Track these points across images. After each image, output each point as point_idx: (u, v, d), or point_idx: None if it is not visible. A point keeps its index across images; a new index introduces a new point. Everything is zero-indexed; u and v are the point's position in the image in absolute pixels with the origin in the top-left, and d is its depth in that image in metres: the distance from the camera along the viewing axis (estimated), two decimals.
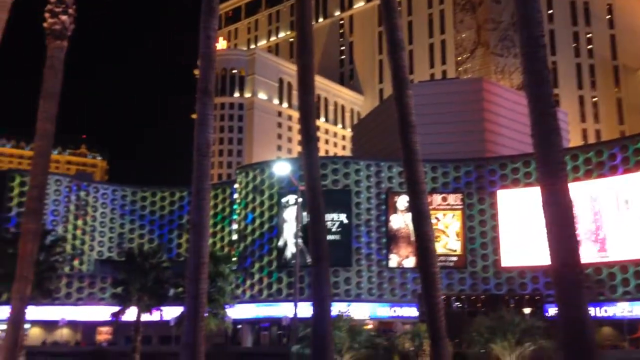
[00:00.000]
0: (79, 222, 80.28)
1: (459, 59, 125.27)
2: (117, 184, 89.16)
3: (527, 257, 65.39)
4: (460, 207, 70.33)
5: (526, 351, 37.56)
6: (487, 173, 70.66)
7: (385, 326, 65.03)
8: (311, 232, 14.95)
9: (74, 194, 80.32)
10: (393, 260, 69.69)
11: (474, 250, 69.14)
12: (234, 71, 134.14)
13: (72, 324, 74.95)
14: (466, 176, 71.02)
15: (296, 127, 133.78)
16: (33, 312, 25.87)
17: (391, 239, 70.06)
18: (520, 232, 65.91)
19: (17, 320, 15.16)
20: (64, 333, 75.28)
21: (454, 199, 70.72)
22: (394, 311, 68.22)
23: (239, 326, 70.36)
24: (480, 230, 69.47)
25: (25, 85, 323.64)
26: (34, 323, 68.54)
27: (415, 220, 15.00)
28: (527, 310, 58.27)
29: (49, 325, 73.10)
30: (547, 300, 63.37)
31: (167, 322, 52.73)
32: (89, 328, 75.66)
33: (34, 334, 70.45)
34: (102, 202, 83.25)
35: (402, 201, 69.79)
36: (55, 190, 76.70)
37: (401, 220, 70.20)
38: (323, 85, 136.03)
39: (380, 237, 70.06)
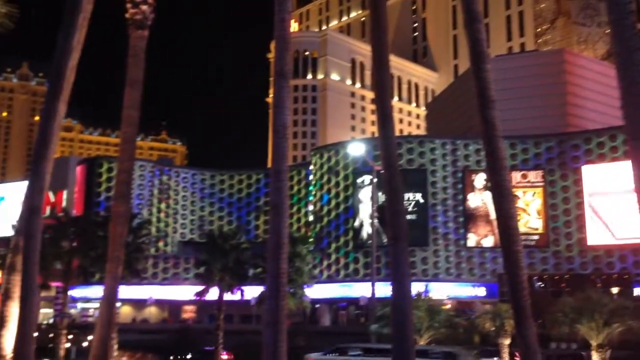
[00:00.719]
0: (162, 206, 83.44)
1: (538, 30, 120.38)
2: (196, 168, 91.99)
3: (614, 235, 62.62)
4: (541, 184, 68.01)
5: (614, 332, 36.07)
6: (570, 148, 67.87)
7: (464, 306, 64.17)
8: (388, 211, 14.87)
9: (157, 179, 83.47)
10: (471, 240, 68.47)
11: (556, 229, 66.83)
12: (306, 53, 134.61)
13: (159, 303, 78.41)
14: (547, 152, 68.50)
15: (370, 107, 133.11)
16: (123, 292, 27.13)
17: (469, 218, 68.78)
18: (607, 209, 63.08)
19: (110, 299, 15.97)
20: (152, 311, 78.92)
21: (534, 176, 68.44)
22: (473, 291, 67.16)
23: (317, 306, 71.34)
24: (564, 207, 66.99)
25: (110, 75, 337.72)
26: (125, 302, 72.10)
27: (496, 198, 14.62)
28: (614, 290, 55.88)
29: (138, 304, 76.78)
30: (636, 279, 60.52)
31: (248, 301, 54.12)
32: (175, 306, 78.87)
33: (125, 312, 74.18)
34: (183, 186, 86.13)
35: (480, 179, 68.19)
36: (139, 175, 79.90)
37: (479, 199, 68.71)
38: (396, 64, 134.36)
39: (457, 216, 68.92)
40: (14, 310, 16.14)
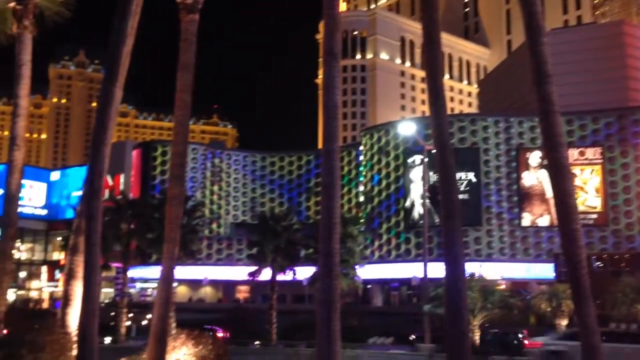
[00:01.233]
0: (215, 188, 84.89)
1: (595, 2, 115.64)
2: (247, 150, 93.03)
3: None
4: (599, 161, 65.82)
5: None
6: (630, 124, 65.33)
7: (518, 286, 63.08)
8: (442, 190, 14.68)
9: (209, 161, 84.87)
10: (526, 219, 67.06)
11: (616, 207, 64.70)
12: (355, 33, 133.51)
13: (214, 283, 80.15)
14: (606, 128, 66.14)
15: (420, 86, 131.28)
16: (179, 272, 27.84)
17: (523, 197, 67.31)
18: None
19: (167, 278, 16.42)
20: (207, 291, 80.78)
21: (592, 152, 66.27)
22: (528, 271, 65.91)
23: (369, 286, 71.45)
24: (624, 185, 64.71)
25: (163, 60, 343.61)
26: (181, 282, 74.03)
27: (553, 176, 14.22)
28: None
29: (194, 284, 78.72)
30: None
31: (300, 281, 54.65)
32: (229, 286, 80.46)
33: (181, 292, 76.19)
34: (235, 168, 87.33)
35: (535, 157, 66.50)
36: (192, 158, 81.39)
37: (534, 177, 67.10)
38: (447, 41, 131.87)
39: (511, 195, 67.53)
40: (77, 289, 16.82)
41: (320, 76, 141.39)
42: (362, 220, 70.48)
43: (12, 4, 17.85)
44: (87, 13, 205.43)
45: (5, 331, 15.96)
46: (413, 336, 41.15)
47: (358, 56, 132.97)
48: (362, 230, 60.57)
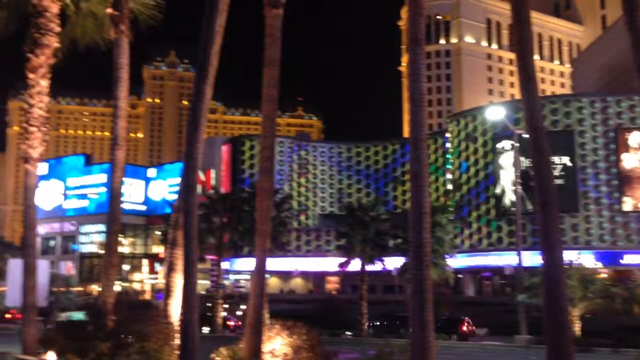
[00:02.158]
0: (302, 180, 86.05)
1: None
2: (333, 142, 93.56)
3: None
4: None
5: None
6: None
7: (621, 275, 59.87)
8: (535, 176, 14.12)
9: (296, 154, 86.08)
10: (627, 204, 63.45)
11: None
12: (438, 17, 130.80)
13: (304, 274, 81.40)
14: None
15: (508, 68, 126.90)
16: (271, 264, 28.44)
17: (624, 180, 63.69)
18: None
19: (260, 270, 16.84)
20: (297, 282, 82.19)
21: None
22: (631, 259, 62.41)
23: (460, 276, 70.19)
24: None
25: (248, 55, 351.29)
26: (272, 274, 75.75)
27: None
28: None
29: (285, 276, 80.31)
30: None
31: (389, 271, 54.44)
32: (319, 278, 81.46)
33: (273, 284, 77.96)
34: (321, 160, 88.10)
35: (635, 138, 62.79)
36: (279, 151, 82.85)
37: (635, 159, 63.34)
38: (536, 20, 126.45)
39: (610, 179, 64.08)
40: (178, 281, 17.57)
41: (404, 64, 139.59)
42: (451, 209, 69.18)
43: (109, 11, 18.81)
44: (175, 13, 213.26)
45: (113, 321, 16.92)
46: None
47: (442, 41, 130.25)
48: (451, 219, 59.42)
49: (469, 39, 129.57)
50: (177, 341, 15.13)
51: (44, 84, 17.88)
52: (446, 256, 49.53)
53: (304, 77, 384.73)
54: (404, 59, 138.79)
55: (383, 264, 50.44)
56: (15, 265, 20.66)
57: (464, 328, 43.83)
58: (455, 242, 66.46)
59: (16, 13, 18.56)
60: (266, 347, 15.97)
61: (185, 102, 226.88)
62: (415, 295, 13.26)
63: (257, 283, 16.79)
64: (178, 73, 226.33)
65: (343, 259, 51.52)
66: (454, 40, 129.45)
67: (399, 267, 49.53)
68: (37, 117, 17.91)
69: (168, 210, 61.18)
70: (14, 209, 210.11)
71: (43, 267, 21.45)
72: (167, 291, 18.35)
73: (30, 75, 17.73)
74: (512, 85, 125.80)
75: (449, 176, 77.55)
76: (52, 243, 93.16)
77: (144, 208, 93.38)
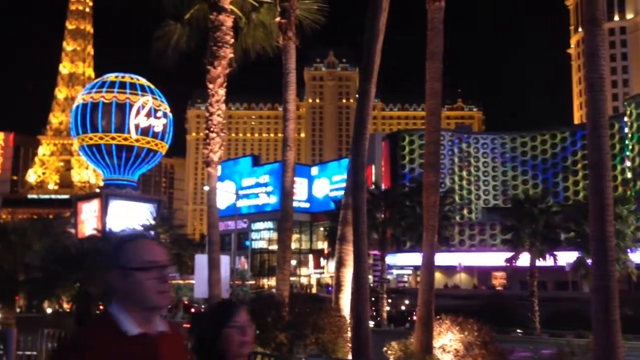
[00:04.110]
0: (464, 173, 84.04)
1: None
2: (495, 132, 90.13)
3: None
4: None
5: None
6: None
7: None
8: None
9: (456, 147, 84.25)
10: None
11: None
12: None
13: (468, 269, 79.40)
14: None
15: None
16: (435, 259, 28.14)
17: None
18: None
19: (429, 265, 16.80)
20: (461, 277, 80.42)
21: None
22: None
23: None
24: None
25: (402, 51, 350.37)
26: (436, 268, 74.64)
27: None
28: None
29: (448, 270, 78.96)
30: None
31: (561, 267, 51.40)
32: (484, 273, 78.97)
33: (437, 278, 76.48)
34: (483, 152, 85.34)
35: None
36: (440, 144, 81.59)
37: None
38: None
39: None
40: (347, 276, 18.10)
41: (572, 46, 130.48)
42: (631, 200, 63.52)
43: (277, 19, 19.87)
44: (332, 14, 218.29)
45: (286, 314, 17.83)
46: None
47: (616, 17, 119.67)
48: (632, 211, 54.60)
49: None
50: (349, 334, 15.60)
51: (222, 92, 19.34)
52: (628, 250, 45.83)
53: (462, 67, 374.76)
54: (573, 41, 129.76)
55: (555, 259, 47.81)
56: (201, 260, 22.59)
57: None
58: (638, 235, 60.85)
59: (196, 29, 20.32)
60: (437, 342, 15.87)
61: (344, 101, 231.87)
62: (598, 292, 12.42)
63: (426, 278, 16.77)
64: (337, 73, 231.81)
65: (509, 254, 49.64)
66: (629, 15, 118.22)
67: (571, 262, 46.62)
68: (216, 124, 19.42)
69: (330, 206, 63.09)
70: (193, 209, 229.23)
71: (225, 262, 23.20)
72: (337, 285, 18.98)
73: (210, 86, 19.26)
74: None
75: (627, 164, 71.17)
76: (227, 240, 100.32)
77: (307, 205, 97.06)
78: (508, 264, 50.25)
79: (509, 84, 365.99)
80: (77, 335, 2.58)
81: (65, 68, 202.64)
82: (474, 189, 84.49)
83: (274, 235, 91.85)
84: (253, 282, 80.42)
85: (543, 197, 50.35)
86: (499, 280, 79.00)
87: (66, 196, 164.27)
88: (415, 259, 63.65)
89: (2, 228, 29.31)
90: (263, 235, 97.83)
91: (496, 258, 61.11)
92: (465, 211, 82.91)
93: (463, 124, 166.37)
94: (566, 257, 47.97)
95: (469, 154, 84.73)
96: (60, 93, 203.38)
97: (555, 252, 48.53)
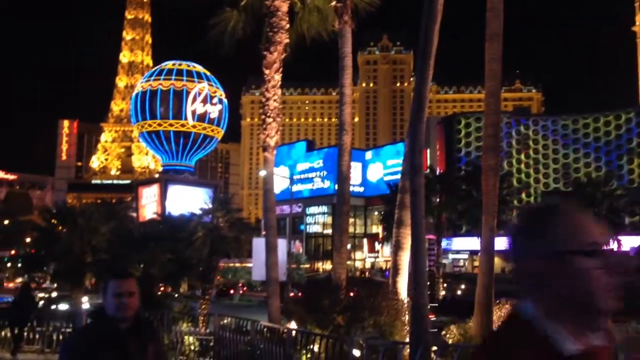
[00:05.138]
0: (522, 156, 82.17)
1: None
2: (555, 114, 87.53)
3: None
4: None
5: None
6: None
7: None
8: None
9: (514, 129, 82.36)
10: None
11: None
12: None
13: None
14: None
15: None
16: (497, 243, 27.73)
17: None
18: None
19: (488, 249, 16.59)
20: None
21: None
22: None
23: None
24: None
25: (455, 34, 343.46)
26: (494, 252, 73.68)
27: None
28: None
29: (507, 255, 77.66)
30: None
31: (625, 252, 49.81)
32: None
33: (495, 263, 75.73)
34: (543, 134, 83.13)
35: None
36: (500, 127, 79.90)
37: None
38: None
39: None
40: (404, 260, 18.08)
41: (638, 23, 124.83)
42: None
43: (333, 3, 19.84)
44: None
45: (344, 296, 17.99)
46: None
47: None
48: None
49: None
50: (407, 317, 15.62)
51: (278, 78, 19.50)
52: None
53: (520, 47, 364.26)
54: (639, 18, 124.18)
55: (619, 244, 46.34)
56: (259, 243, 23.01)
57: None
58: None
59: (252, 15, 20.50)
60: (496, 326, 15.72)
61: (398, 85, 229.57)
62: None
63: (486, 261, 16.58)
64: (390, 56, 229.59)
65: None
66: None
67: (636, 246, 45.13)
68: (272, 109, 19.61)
69: (384, 190, 62.85)
70: (249, 193, 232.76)
71: (282, 246, 23.57)
72: (394, 269, 18.98)
73: (266, 71, 19.45)
74: None
75: None
76: (282, 224, 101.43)
77: (362, 189, 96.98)
78: None
79: (569, 64, 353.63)
80: (493, 347, 1.80)
81: (125, 57, 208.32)
82: (533, 173, 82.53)
83: (328, 219, 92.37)
84: (308, 265, 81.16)
85: (606, 180, 48.81)
86: None
87: (127, 181, 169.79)
88: (471, 243, 62.91)
89: (70, 212, 30.58)
90: (318, 220, 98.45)
91: None
92: (523, 195, 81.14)
93: (521, 106, 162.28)
94: (631, 242, 46.43)
95: (527, 136, 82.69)
96: (121, 81, 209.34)
97: (619, 237, 47.04)
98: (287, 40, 19.64)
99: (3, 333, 18.44)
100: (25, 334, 17.99)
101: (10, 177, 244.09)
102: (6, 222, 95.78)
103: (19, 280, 66.76)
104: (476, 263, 65.28)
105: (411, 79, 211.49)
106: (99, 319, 3.70)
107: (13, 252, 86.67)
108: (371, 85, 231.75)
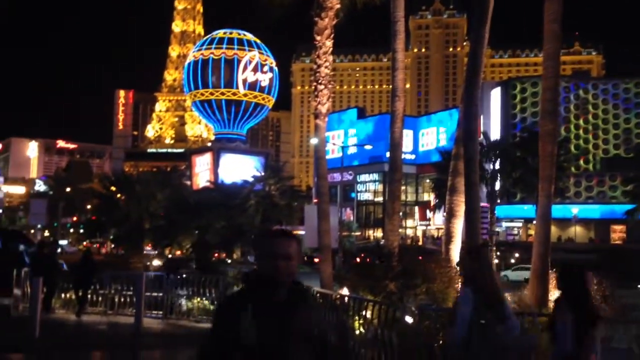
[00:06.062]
0: (581, 122, 79.53)
1: None
2: (617, 78, 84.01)
3: None
4: None
5: None
6: None
7: None
8: None
9: (573, 94, 79.63)
10: None
11: None
12: None
13: (584, 222, 75.87)
14: None
15: None
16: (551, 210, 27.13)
17: None
18: None
19: (545, 217, 16.19)
20: (576, 230, 77.08)
21: None
22: None
23: None
24: None
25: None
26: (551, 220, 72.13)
27: None
28: None
29: (562, 223, 75.85)
30: None
31: None
32: (602, 226, 75.24)
33: (551, 231, 74.24)
34: (603, 99, 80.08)
35: None
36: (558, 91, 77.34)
37: None
38: None
39: None
40: (458, 227, 17.89)
41: None
42: None
43: None
44: None
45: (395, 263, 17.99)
46: None
47: None
48: None
49: None
50: (460, 284, 15.53)
51: (329, 44, 19.29)
52: None
53: (580, 8, 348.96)
54: None
55: None
56: (311, 210, 23.14)
57: None
58: None
59: None
60: (552, 295, 15.43)
61: (451, 50, 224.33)
62: None
63: (542, 230, 16.22)
64: (443, 20, 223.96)
65: (631, 206, 46.88)
66: None
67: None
68: (324, 76, 19.47)
69: (436, 158, 62.05)
70: (299, 161, 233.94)
71: (333, 213, 23.63)
72: (447, 236, 18.83)
73: (317, 37, 19.27)
74: None
75: None
76: (332, 191, 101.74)
77: (413, 157, 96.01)
78: (628, 217, 47.55)
79: (632, 25, 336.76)
80: None
81: (177, 26, 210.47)
82: (592, 138, 79.82)
83: (379, 187, 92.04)
84: (359, 233, 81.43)
85: None
86: (617, 234, 75.03)
87: (181, 150, 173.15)
88: (525, 211, 61.63)
89: (128, 180, 31.55)
90: (369, 187, 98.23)
91: (615, 211, 57.92)
92: (582, 161, 78.78)
93: (581, 70, 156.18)
94: None
95: (587, 101, 79.80)
96: (173, 51, 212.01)
97: None
98: (339, 6, 19.35)
99: (68, 295, 19.27)
100: (89, 296, 18.76)
101: (71, 146, 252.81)
102: (68, 189, 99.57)
103: (82, 246, 69.47)
104: (531, 231, 64.02)
105: (464, 43, 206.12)
106: (252, 283, 3.34)
107: (75, 218, 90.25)
108: (423, 50, 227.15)
